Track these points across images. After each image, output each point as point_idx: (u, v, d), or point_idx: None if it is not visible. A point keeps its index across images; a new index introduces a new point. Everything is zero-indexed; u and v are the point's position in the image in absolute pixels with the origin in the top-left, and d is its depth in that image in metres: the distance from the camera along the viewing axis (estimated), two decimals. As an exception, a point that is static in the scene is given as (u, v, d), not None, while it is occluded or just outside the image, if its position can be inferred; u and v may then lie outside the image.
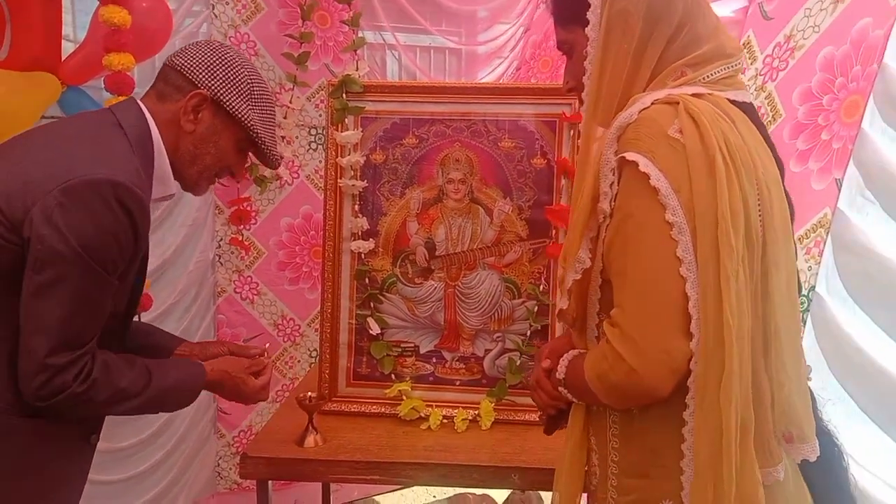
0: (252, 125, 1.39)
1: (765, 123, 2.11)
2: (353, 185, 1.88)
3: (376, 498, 3.36)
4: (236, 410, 2.86)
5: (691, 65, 1.07)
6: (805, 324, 2.00)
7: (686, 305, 0.97)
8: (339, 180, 1.89)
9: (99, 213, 1.18)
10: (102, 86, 2.06)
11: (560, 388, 1.17)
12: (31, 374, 1.20)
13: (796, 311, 1.06)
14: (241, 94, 1.38)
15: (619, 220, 1.02)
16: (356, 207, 1.90)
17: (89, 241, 1.18)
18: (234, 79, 1.37)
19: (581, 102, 1.20)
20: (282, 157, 1.51)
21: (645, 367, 0.97)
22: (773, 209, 1.02)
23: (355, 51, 2.64)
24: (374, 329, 1.89)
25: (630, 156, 1.00)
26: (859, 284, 1.84)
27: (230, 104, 1.37)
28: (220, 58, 1.37)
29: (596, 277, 1.09)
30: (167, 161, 1.37)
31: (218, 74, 1.36)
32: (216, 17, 2.61)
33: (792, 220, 1.10)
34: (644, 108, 1.03)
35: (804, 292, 1.98)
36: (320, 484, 2.50)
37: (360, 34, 2.70)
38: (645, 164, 0.98)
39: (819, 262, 1.94)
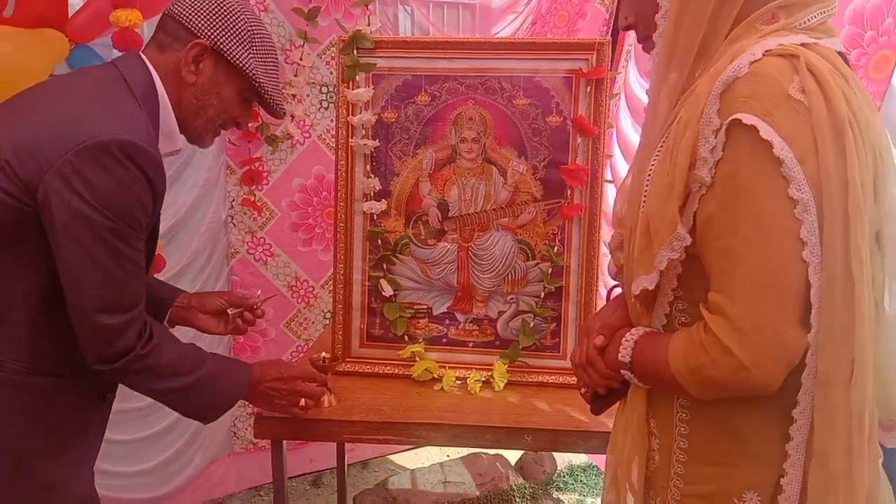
0: (254, 74, 1.36)
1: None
2: (364, 145, 1.84)
3: (390, 457, 3.40)
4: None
5: (784, 7, 0.94)
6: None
7: (807, 293, 0.86)
8: (350, 139, 1.86)
9: (116, 173, 1.18)
10: (110, 43, 2.03)
11: (623, 372, 1.07)
12: (91, 340, 1.24)
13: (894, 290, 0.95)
14: (242, 43, 1.35)
15: (730, 193, 0.89)
16: (368, 168, 1.87)
17: (112, 201, 1.18)
18: (235, 27, 1.34)
19: (646, 43, 1.08)
20: (285, 111, 1.48)
21: (757, 363, 0.88)
22: (886, 179, 0.90)
23: (367, 5, 2.57)
24: (387, 291, 1.87)
25: (747, 118, 0.86)
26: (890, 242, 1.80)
27: (231, 53, 1.34)
28: (219, 6, 1.34)
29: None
30: (172, 115, 1.36)
31: (218, 23, 1.33)
32: (225, -29, 2.55)
33: None
34: (755, 60, 0.88)
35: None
36: (335, 444, 2.53)
37: (371, -12, 2.63)
38: (766, 130, 0.85)
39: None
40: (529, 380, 1.83)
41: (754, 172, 0.87)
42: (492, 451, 3.17)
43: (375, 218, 1.88)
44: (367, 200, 1.87)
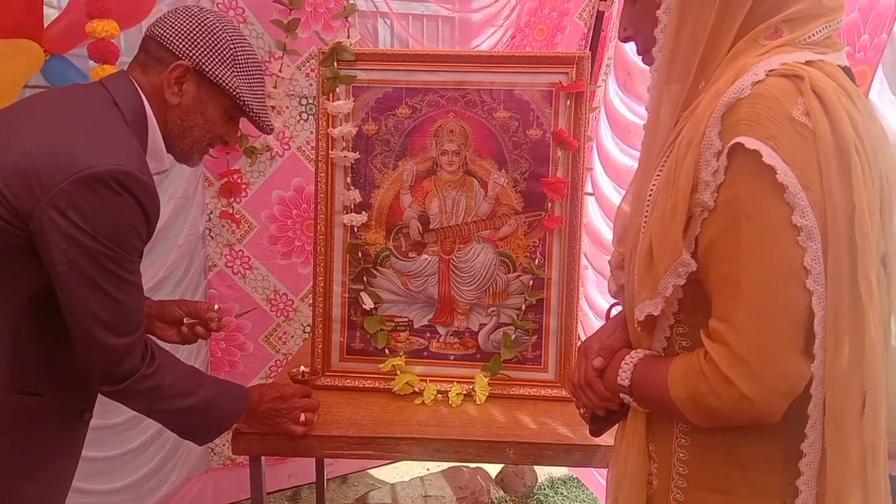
0: (239, 93, 1.36)
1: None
2: (345, 157, 1.84)
3: (370, 471, 3.37)
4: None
5: (789, 21, 0.91)
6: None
7: (810, 323, 0.84)
8: (330, 151, 1.85)
9: (111, 201, 1.18)
10: (86, 54, 2.00)
11: (623, 396, 1.05)
12: (99, 363, 1.26)
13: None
14: (224, 62, 1.34)
15: (731, 218, 0.87)
16: (348, 180, 1.86)
17: (108, 229, 1.19)
18: (216, 46, 1.33)
19: (645, 56, 1.06)
20: (272, 127, 1.48)
21: (759, 394, 0.86)
22: (893, 200, 0.88)
23: (346, 18, 2.57)
24: (368, 303, 1.86)
25: (750, 143, 0.83)
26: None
27: (213, 73, 1.33)
28: (199, 24, 1.33)
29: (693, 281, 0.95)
30: (160, 136, 1.35)
31: (199, 43, 1.32)
32: (203, -18, 2.54)
33: None
34: (758, 81, 0.86)
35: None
36: (314, 459, 2.50)
37: (351, 1, 2.63)
38: (769, 155, 0.82)
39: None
40: (511, 393, 1.83)
41: (757, 198, 0.85)
42: (472, 465, 3.16)
43: (356, 230, 1.87)
44: (347, 213, 1.86)
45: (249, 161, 2.71)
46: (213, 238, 2.73)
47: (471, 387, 1.81)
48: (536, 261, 1.83)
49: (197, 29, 1.32)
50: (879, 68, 1.75)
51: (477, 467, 3.23)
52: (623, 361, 1.04)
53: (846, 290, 0.83)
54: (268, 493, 1.71)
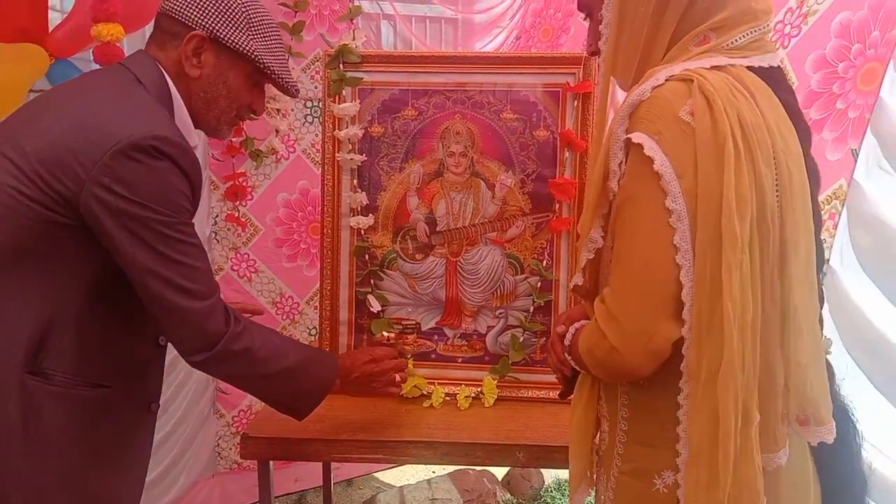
0: (258, 56, 1.32)
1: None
2: (351, 159, 1.83)
3: (376, 474, 3.36)
4: (235, 390, 2.84)
5: (715, 28, 1.01)
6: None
7: (679, 293, 0.95)
8: (336, 154, 1.84)
9: (153, 167, 1.17)
10: (91, 58, 2.00)
11: (565, 355, 1.19)
12: (184, 331, 1.24)
13: (814, 292, 1.02)
14: (239, 27, 1.30)
15: (621, 201, 1.01)
16: (354, 182, 1.85)
17: (157, 196, 1.18)
18: (228, 11, 1.30)
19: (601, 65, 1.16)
20: (298, 90, 1.45)
21: (625, 347, 0.98)
22: (792, 189, 0.97)
23: (351, 20, 2.57)
24: (375, 306, 1.85)
25: (636, 137, 0.97)
26: (872, 258, 1.80)
27: (229, 39, 1.30)
28: None
29: (608, 253, 1.06)
30: (186, 111, 1.33)
31: (210, 10, 1.29)
32: (207, -15, 2.53)
33: (817, 188, 1.06)
34: (657, 86, 0.98)
35: (821, 267, 1.94)
36: (321, 462, 2.49)
37: (356, 2, 2.63)
38: (650, 147, 0.95)
39: (833, 236, 1.89)
40: (520, 395, 1.82)
41: (637, 183, 0.98)
42: (478, 467, 3.15)
43: (362, 233, 1.86)
44: (353, 215, 1.85)
45: (255, 164, 2.70)
46: (218, 241, 2.72)
47: (479, 389, 1.81)
48: (544, 262, 1.82)
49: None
50: (890, 65, 1.73)
51: (483, 470, 3.21)
52: (571, 326, 1.18)
53: (709, 268, 0.93)
54: (274, 497, 1.70)
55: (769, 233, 0.95)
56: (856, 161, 1.86)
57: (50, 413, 1.20)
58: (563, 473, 3.35)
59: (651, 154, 0.95)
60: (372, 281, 1.87)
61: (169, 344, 1.34)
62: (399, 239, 1.87)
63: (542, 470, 3.29)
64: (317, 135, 2.71)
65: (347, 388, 1.53)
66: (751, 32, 1.03)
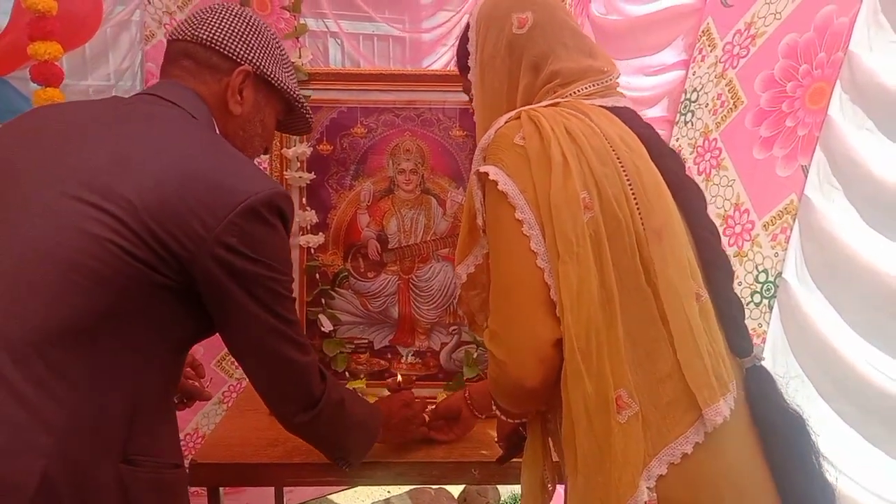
0: (292, 91, 1.28)
1: (726, 110, 2.13)
2: (300, 178, 1.81)
3: (331, 497, 3.30)
4: (181, 414, 2.75)
5: (563, 84, 1.15)
6: (772, 309, 2.02)
7: (549, 293, 1.01)
8: (285, 172, 1.82)
9: (276, 227, 1.10)
10: (28, 76, 1.94)
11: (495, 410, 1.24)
12: (297, 390, 1.19)
13: (685, 276, 1.05)
14: (277, 61, 1.25)
15: (487, 232, 1.10)
16: (304, 200, 1.83)
17: (278, 255, 1.12)
18: (268, 45, 1.24)
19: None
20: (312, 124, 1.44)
21: (510, 357, 1.01)
22: (643, 182, 1.06)
23: (297, 38, 2.55)
24: (327, 326, 1.83)
25: (483, 167, 1.07)
26: (823, 272, 1.85)
27: (273, 75, 1.24)
28: (247, 24, 1.22)
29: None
30: None
31: (253, 44, 1.22)
32: (150, 2, 2.49)
33: (703, 203, 1.15)
34: (498, 127, 1.10)
35: (770, 278, 2.01)
36: (273, 487, 2.44)
37: (302, 20, 2.61)
38: (495, 173, 1.05)
39: (786, 249, 1.96)
40: (474, 412, 1.81)
41: (491, 210, 1.07)
42: (435, 486, 3.13)
43: (313, 251, 1.84)
44: (303, 234, 1.83)
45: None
46: (163, 263, 2.66)
47: (433, 407, 1.79)
48: (496, 278, 1.82)
49: (247, 29, 1.22)
50: (837, 84, 1.80)
51: (440, 487, 3.20)
52: None
53: (554, 263, 1.00)
54: (226, 525, 1.65)
55: (619, 223, 1.02)
56: (806, 177, 1.93)
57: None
58: (519, 489, 3.35)
59: (495, 178, 1.04)
60: (323, 300, 1.85)
61: None
62: (350, 257, 1.85)
63: (499, 485, 3.28)
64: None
65: (387, 434, 1.49)
66: (593, 84, 1.16)
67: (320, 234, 1.83)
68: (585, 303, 0.98)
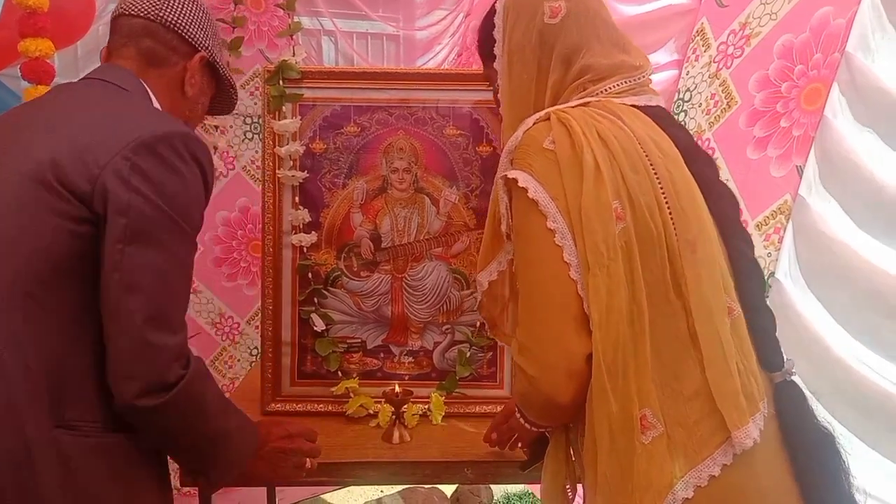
0: (229, 76, 1.31)
1: (720, 110, 2.13)
2: (292, 176, 1.80)
3: (324, 496, 3.30)
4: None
5: (593, 80, 1.11)
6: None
7: (582, 306, 0.97)
8: (277, 171, 1.81)
9: (177, 168, 1.06)
10: (19, 74, 1.93)
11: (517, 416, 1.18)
12: (136, 366, 1.03)
13: (718, 291, 1.01)
14: (219, 46, 1.29)
15: (514, 239, 1.06)
16: (296, 199, 1.82)
17: (175, 198, 1.06)
18: (216, 33, 1.27)
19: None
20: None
21: (540, 373, 0.98)
22: (676, 189, 1.02)
23: (291, 36, 2.54)
24: (319, 325, 1.82)
25: (511, 173, 1.04)
26: (816, 272, 1.85)
27: (219, 62, 1.28)
28: (202, 10, 1.26)
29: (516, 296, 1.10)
30: None
31: (209, 32, 1.25)
32: (142, 0, 2.48)
33: (737, 211, 1.11)
34: (527, 129, 1.06)
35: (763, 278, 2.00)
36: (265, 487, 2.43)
37: (296, 19, 2.61)
38: (524, 179, 1.01)
39: (779, 249, 1.95)
40: (468, 411, 1.81)
41: (520, 215, 1.04)
42: (427, 485, 3.12)
43: (305, 250, 1.83)
44: (296, 233, 1.82)
45: (193, 182, 2.64)
46: (155, 261, 2.65)
47: (427, 406, 1.79)
48: (489, 277, 1.82)
49: (203, 15, 1.25)
50: (834, 86, 1.80)
51: (433, 487, 3.19)
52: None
53: (584, 275, 0.97)
54: (218, 525, 1.65)
55: (652, 234, 0.98)
56: (800, 177, 1.93)
57: (86, 471, 1.04)
58: (512, 487, 3.35)
59: (525, 185, 1.01)
60: (315, 299, 1.84)
61: None
62: (343, 256, 1.84)
63: (492, 485, 3.28)
64: (256, 151, 2.68)
65: (255, 464, 1.31)
66: (625, 81, 1.12)
67: (313, 232, 1.82)
68: (615, 318, 0.95)
